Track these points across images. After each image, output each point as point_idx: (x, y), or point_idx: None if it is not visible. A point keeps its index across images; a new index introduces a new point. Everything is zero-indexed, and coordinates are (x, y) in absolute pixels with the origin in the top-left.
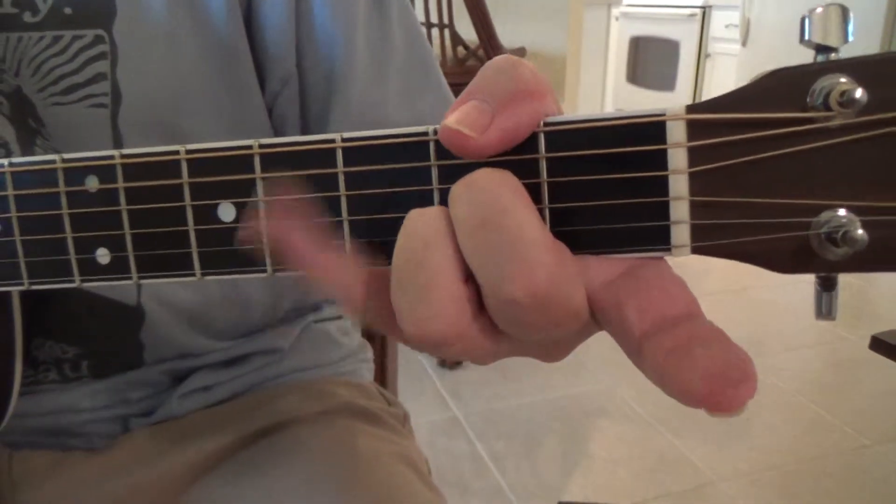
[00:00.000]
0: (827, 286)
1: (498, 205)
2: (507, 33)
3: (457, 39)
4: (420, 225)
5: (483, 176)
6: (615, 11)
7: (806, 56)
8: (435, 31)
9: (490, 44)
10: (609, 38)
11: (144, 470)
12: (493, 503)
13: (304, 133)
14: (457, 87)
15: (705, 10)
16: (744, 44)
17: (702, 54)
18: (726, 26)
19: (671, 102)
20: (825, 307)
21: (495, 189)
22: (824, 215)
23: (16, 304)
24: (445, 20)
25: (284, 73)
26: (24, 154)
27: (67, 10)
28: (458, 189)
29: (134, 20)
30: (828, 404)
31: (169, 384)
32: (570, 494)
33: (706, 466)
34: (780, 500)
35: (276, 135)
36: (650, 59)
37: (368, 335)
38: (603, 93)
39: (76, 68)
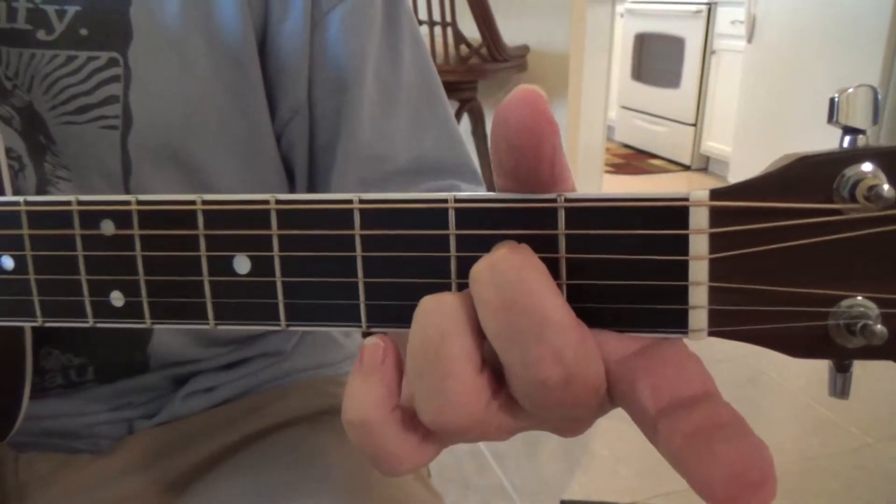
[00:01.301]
0: (842, 368)
1: (523, 287)
2: (509, 31)
3: (459, 37)
4: (435, 315)
5: (506, 257)
6: (619, 8)
7: (809, 54)
8: (437, 30)
9: (493, 41)
10: (613, 34)
11: (148, 471)
12: (495, 501)
13: (311, 161)
14: (459, 85)
15: (710, 7)
16: (749, 40)
17: (707, 51)
18: (732, 22)
19: (676, 100)
20: (839, 388)
21: (519, 271)
22: (844, 303)
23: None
24: (448, 18)
25: (295, 102)
26: (35, 169)
27: (83, 31)
28: (481, 272)
29: (149, 44)
30: (832, 403)
31: (172, 387)
32: (572, 492)
33: None
34: (784, 499)
35: (284, 162)
36: (655, 56)
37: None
38: (607, 90)
39: (89, 89)
